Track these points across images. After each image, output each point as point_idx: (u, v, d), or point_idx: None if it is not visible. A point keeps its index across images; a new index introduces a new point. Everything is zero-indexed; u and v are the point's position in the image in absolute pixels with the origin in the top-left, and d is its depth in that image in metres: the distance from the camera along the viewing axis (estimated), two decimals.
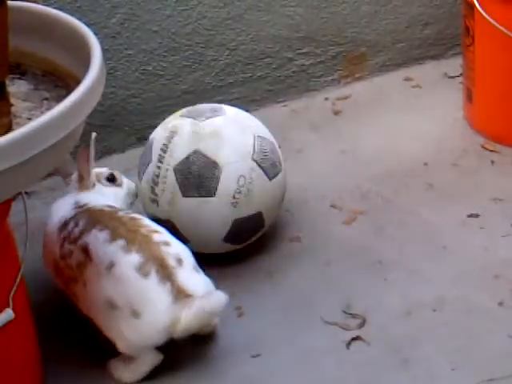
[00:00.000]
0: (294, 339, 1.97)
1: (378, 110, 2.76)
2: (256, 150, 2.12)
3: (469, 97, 2.63)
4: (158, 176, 2.12)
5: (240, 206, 2.10)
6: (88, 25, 1.74)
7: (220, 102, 2.72)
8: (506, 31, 2.38)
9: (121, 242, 1.85)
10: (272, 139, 2.21)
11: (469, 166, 2.48)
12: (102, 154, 2.63)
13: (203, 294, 1.83)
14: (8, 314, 1.64)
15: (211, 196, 2.08)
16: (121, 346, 1.85)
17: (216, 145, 2.10)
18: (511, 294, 2.03)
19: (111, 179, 2.12)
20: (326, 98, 2.85)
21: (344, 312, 2.02)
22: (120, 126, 2.65)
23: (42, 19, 1.78)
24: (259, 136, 2.16)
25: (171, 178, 2.10)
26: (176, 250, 1.88)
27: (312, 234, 2.27)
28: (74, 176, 2.08)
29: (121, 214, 1.94)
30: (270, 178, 2.14)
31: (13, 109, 1.63)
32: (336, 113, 2.79)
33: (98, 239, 1.87)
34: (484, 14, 2.41)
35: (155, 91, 2.66)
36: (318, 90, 2.87)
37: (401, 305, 2.03)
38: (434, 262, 2.15)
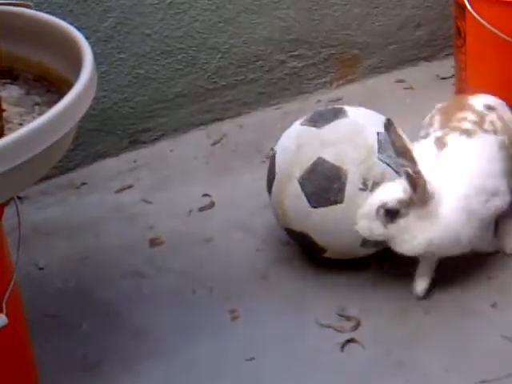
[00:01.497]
0: (288, 342, 1.97)
1: None
2: (381, 148, 2.07)
3: None
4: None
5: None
6: (80, 29, 1.74)
7: (212, 105, 2.73)
8: (497, 32, 2.39)
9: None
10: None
11: None
12: (95, 157, 2.63)
13: None
14: (1, 319, 1.64)
15: (340, 203, 2.03)
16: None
17: (339, 149, 2.05)
18: (504, 295, 2.03)
19: None
20: (319, 101, 2.85)
21: (338, 314, 2.02)
22: (113, 130, 2.65)
23: (34, 24, 1.78)
24: (380, 132, 2.09)
25: (297, 190, 2.05)
26: None
27: None
28: None
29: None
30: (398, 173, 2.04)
31: (4, 114, 1.63)
32: None
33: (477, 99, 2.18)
34: (475, 15, 2.42)
35: (148, 95, 2.66)
36: (310, 93, 2.87)
37: (395, 307, 2.03)
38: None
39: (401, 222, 1.93)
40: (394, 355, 1.90)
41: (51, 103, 1.57)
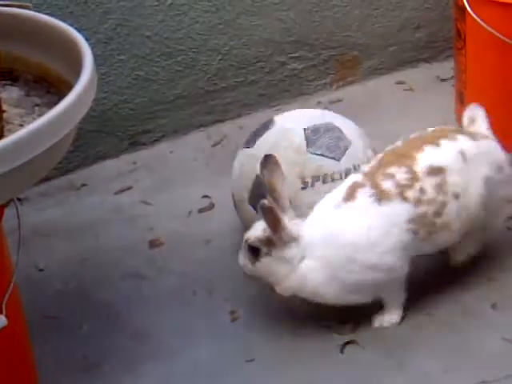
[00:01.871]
0: (288, 343, 1.97)
1: (371, 114, 2.76)
2: (310, 142, 2.09)
3: (460, 99, 2.63)
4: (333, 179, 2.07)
5: None
6: (80, 30, 1.74)
7: (212, 106, 2.73)
8: (497, 34, 2.39)
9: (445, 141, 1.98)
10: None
11: None
12: (95, 159, 2.63)
13: None
14: (1, 320, 1.64)
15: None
16: None
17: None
18: (504, 296, 2.03)
19: None
20: (319, 102, 2.85)
21: (338, 316, 2.02)
22: (113, 131, 2.65)
23: (35, 25, 1.78)
24: (306, 128, 2.12)
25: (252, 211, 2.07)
26: None
27: None
28: None
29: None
30: None
31: (4, 115, 1.63)
32: None
33: (429, 155, 1.95)
34: (475, 16, 2.42)
35: (148, 96, 2.66)
36: (310, 94, 2.87)
37: None
38: (427, 264, 2.14)
39: (264, 262, 1.91)
40: (393, 356, 1.90)
41: (51, 104, 1.58)
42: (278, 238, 1.88)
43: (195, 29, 2.65)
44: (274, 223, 1.87)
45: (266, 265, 1.91)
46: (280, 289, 1.94)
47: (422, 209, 1.90)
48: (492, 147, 2.05)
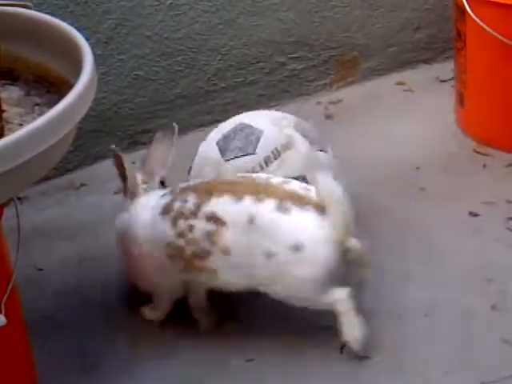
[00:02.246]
0: (287, 343, 1.96)
1: (370, 114, 2.77)
2: (223, 151, 2.11)
3: (460, 100, 2.63)
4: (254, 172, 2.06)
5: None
6: (80, 30, 1.74)
7: (212, 106, 2.73)
8: (497, 35, 2.39)
9: (249, 198, 1.86)
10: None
11: (461, 169, 2.49)
12: (95, 158, 2.63)
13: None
14: (0, 319, 1.64)
15: None
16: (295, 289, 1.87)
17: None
18: (504, 297, 2.03)
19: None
20: (319, 103, 2.85)
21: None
22: (112, 131, 2.65)
23: (35, 25, 1.78)
24: (218, 140, 2.14)
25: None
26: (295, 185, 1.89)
27: None
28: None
29: (219, 180, 1.96)
30: None
31: (4, 115, 1.63)
32: (328, 117, 2.79)
33: (224, 203, 1.87)
34: (475, 17, 2.42)
35: (147, 96, 2.66)
36: (310, 95, 2.87)
37: (393, 308, 2.03)
38: (426, 265, 2.15)
39: None
40: (392, 358, 1.90)
41: (51, 104, 1.57)
42: (123, 189, 2.04)
43: (195, 29, 2.65)
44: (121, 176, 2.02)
45: None
46: None
47: (181, 243, 1.90)
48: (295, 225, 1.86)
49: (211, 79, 2.73)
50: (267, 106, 2.81)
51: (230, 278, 1.90)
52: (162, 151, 2.06)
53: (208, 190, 1.91)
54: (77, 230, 2.37)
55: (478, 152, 2.55)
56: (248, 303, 2.08)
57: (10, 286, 1.69)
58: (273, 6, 2.73)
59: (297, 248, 1.83)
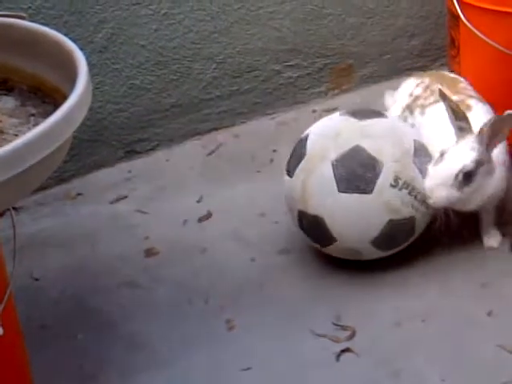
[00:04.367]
0: (284, 352, 1.97)
1: None
2: (416, 153, 2.09)
3: None
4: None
5: (395, 208, 2.04)
6: (75, 40, 1.74)
7: (207, 115, 2.74)
8: (491, 42, 2.39)
9: None
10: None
11: None
12: (90, 168, 2.63)
13: None
14: None
15: (369, 193, 2.04)
16: None
17: (378, 142, 2.07)
18: (500, 304, 2.03)
19: None
20: (314, 110, 2.85)
21: (334, 324, 2.02)
22: (108, 140, 2.65)
23: (29, 35, 1.78)
24: (416, 140, 2.13)
25: (329, 172, 2.05)
26: None
27: (301, 246, 2.27)
28: None
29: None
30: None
31: None
32: None
33: None
34: (469, 25, 2.42)
35: (143, 105, 2.66)
36: (305, 102, 2.88)
37: (390, 316, 2.03)
38: (422, 273, 2.15)
39: (474, 183, 2.03)
40: (389, 364, 1.90)
41: (46, 114, 1.57)
42: (488, 154, 2.04)
43: (190, 38, 2.66)
44: (489, 141, 2.03)
45: (475, 185, 2.04)
46: (472, 205, 2.08)
47: None
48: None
49: (206, 88, 2.73)
50: (262, 114, 2.82)
51: None
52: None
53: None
54: (73, 239, 2.37)
55: None
56: (245, 310, 2.08)
57: (6, 296, 1.69)
58: (267, 15, 2.74)
59: None
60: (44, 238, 2.39)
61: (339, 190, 2.04)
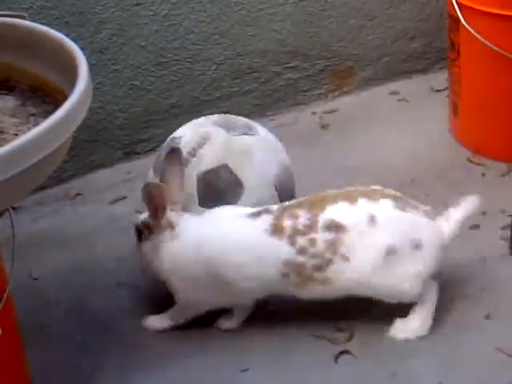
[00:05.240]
0: (282, 353, 1.96)
1: (365, 124, 2.77)
2: (279, 179, 2.11)
3: (454, 110, 2.64)
4: None
5: None
6: (75, 40, 1.74)
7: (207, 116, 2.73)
8: (490, 45, 2.40)
9: (388, 202, 1.90)
10: (290, 169, 2.19)
11: (455, 178, 2.49)
12: (90, 168, 2.63)
13: None
14: None
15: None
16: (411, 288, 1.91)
17: (244, 164, 2.08)
18: (498, 307, 2.03)
19: None
20: (314, 112, 2.86)
21: (332, 326, 2.02)
22: (107, 141, 2.65)
23: (30, 35, 1.78)
24: (284, 165, 2.15)
25: (193, 184, 2.07)
26: None
27: None
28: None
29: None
30: None
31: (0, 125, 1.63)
32: (323, 126, 2.80)
33: (340, 209, 1.89)
34: (469, 28, 2.43)
35: (143, 106, 2.67)
36: (305, 104, 2.88)
37: (388, 318, 2.03)
38: None
39: (144, 244, 1.98)
40: (387, 367, 1.90)
41: (47, 114, 1.58)
42: (156, 224, 1.95)
43: (190, 39, 2.66)
44: (155, 210, 1.93)
45: (145, 247, 1.98)
46: (151, 272, 2.00)
47: (302, 259, 1.89)
48: (415, 223, 1.93)
49: (206, 89, 2.73)
50: (262, 116, 2.82)
51: (344, 283, 1.90)
52: (177, 175, 1.99)
53: (315, 203, 1.92)
54: (72, 239, 2.37)
55: (472, 161, 2.56)
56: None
57: (5, 296, 1.69)
58: (268, 17, 2.74)
59: (416, 245, 1.90)
60: (43, 238, 2.39)
61: (199, 204, 2.05)
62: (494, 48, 2.39)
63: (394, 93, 2.92)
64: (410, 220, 1.92)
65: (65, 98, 1.56)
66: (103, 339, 2.05)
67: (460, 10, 2.45)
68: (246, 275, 1.92)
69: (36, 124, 1.56)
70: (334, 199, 1.92)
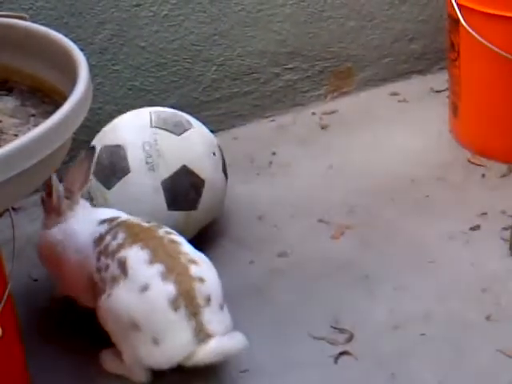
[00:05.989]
0: (281, 354, 1.96)
1: (365, 125, 2.77)
2: (153, 119, 2.22)
3: (454, 111, 2.64)
4: None
5: (157, 168, 2.15)
6: (75, 41, 1.74)
7: (207, 117, 2.73)
8: (490, 46, 2.40)
9: (160, 267, 1.83)
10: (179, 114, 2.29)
11: (455, 180, 2.49)
12: None
13: (223, 334, 1.84)
14: None
15: (128, 173, 2.15)
16: (127, 359, 1.87)
17: (116, 134, 2.22)
18: (498, 308, 2.03)
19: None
20: (313, 113, 2.86)
21: (332, 327, 2.02)
22: None
23: (29, 36, 1.78)
24: (155, 111, 2.26)
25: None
26: (208, 288, 1.86)
27: (300, 249, 2.27)
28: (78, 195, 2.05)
29: (161, 233, 1.91)
30: (178, 134, 2.21)
31: None
32: (323, 127, 2.80)
33: (137, 257, 1.85)
34: (469, 28, 2.43)
35: (143, 106, 2.66)
36: (304, 105, 2.88)
37: (388, 319, 2.03)
38: (421, 276, 2.15)
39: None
40: (387, 368, 1.90)
41: (46, 115, 1.58)
42: (47, 205, 2.04)
43: (190, 40, 2.66)
44: (49, 190, 2.01)
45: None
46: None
47: (96, 279, 1.90)
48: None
49: (206, 90, 2.73)
50: (262, 117, 2.82)
51: (102, 320, 1.90)
52: (85, 169, 2.02)
53: (137, 234, 1.89)
54: None
55: (472, 162, 2.56)
56: (243, 313, 2.08)
57: (5, 296, 1.69)
58: (267, 17, 2.74)
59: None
60: None
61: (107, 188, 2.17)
62: (494, 49, 2.39)
63: (393, 93, 2.92)
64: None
65: (64, 98, 1.56)
66: (103, 339, 2.04)
67: (460, 11, 2.45)
68: (75, 272, 1.96)
69: (36, 124, 1.56)
70: (145, 243, 1.87)
